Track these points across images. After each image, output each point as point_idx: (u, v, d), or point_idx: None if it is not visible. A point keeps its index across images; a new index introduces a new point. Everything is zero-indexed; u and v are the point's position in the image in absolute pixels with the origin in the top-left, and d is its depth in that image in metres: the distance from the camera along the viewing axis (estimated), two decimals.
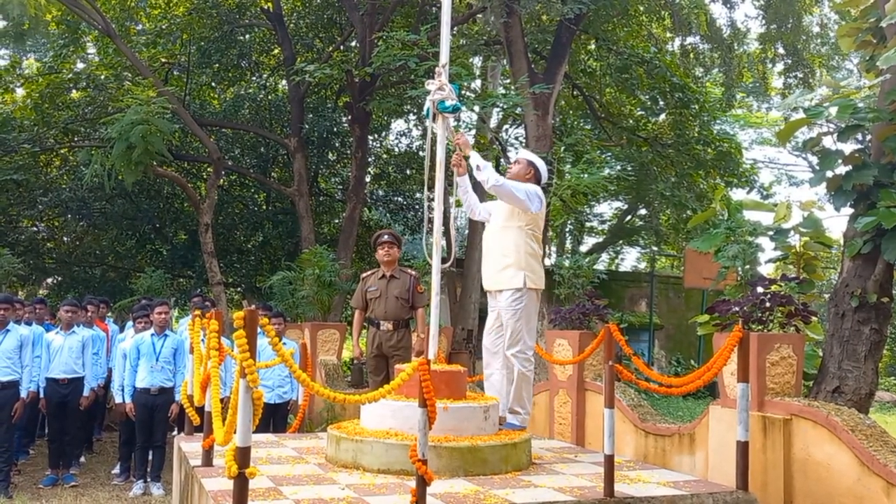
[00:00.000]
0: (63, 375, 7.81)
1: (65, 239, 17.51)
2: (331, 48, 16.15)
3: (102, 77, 14.54)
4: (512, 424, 5.43)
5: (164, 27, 16.25)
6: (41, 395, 7.76)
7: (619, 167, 20.20)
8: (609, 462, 4.29)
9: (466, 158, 5.62)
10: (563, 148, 11.14)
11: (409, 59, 10.46)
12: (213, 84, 18.18)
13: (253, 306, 11.77)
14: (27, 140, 14.48)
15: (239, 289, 17.56)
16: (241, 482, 3.56)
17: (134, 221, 16.81)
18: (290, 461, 5.02)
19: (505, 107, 10.41)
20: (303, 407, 6.67)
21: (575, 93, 16.19)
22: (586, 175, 10.82)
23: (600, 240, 25.56)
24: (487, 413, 5.08)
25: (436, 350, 5.44)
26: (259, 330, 3.71)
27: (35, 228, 16.02)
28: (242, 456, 3.56)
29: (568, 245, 25.42)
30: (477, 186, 5.82)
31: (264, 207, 18.46)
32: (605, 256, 26.46)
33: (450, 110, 5.52)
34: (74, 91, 15.72)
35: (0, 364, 7.18)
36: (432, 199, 5.53)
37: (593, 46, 15.15)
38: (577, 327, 7.21)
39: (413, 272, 6.99)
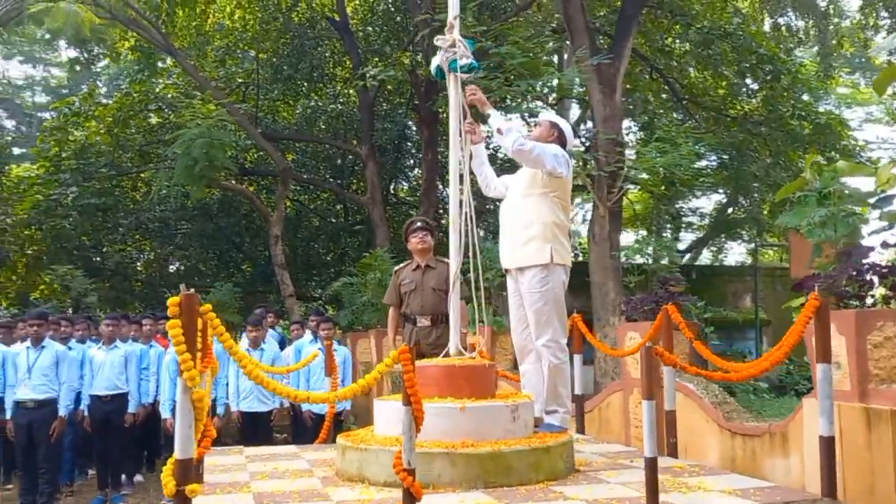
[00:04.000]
0: (105, 392, 7.54)
1: (150, 259, 17.78)
2: (398, 53, 15.79)
3: (170, 96, 14.60)
4: (550, 426, 4.66)
5: (234, 45, 16.35)
6: (85, 412, 7.54)
7: (713, 157, 18.91)
8: (651, 467, 3.48)
9: (485, 122, 4.92)
10: (635, 129, 10.22)
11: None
12: (284, 98, 18.15)
13: (314, 313, 11.19)
14: (105, 165, 14.72)
15: (320, 301, 17.33)
16: (182, 500, 2.98)
17: (213, 239, 16.88)
18: (293, 475, 4.43)
19: (566, 86, 9.63)
20: (329, 414, 6.09)
21: (654, 75, 15.13)
22: (660, 156, 9.85)
23: (701, 235, 24.08)
24: (516, 413, 4.34)
25: (457, 342, 4.76)
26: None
27: (121, 252, 16.26)
28: (182, 470, 2.98)
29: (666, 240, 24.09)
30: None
31: (342, 219, 18.25)
32: (706, 253, 24.98)
33: (464, 70, 4.85)
34: (151, 114, 15.98)
35: (36, 382, 6.97)
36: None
37: (669, 22, 14.09)
38: (650, 318, 6.34)
39: (455, 263, 6.31)
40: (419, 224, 6.18)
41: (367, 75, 12.83)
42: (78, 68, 24.90)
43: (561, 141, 4.96)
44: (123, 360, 7.68)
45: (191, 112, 12.03)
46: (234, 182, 16.23)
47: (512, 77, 9.62)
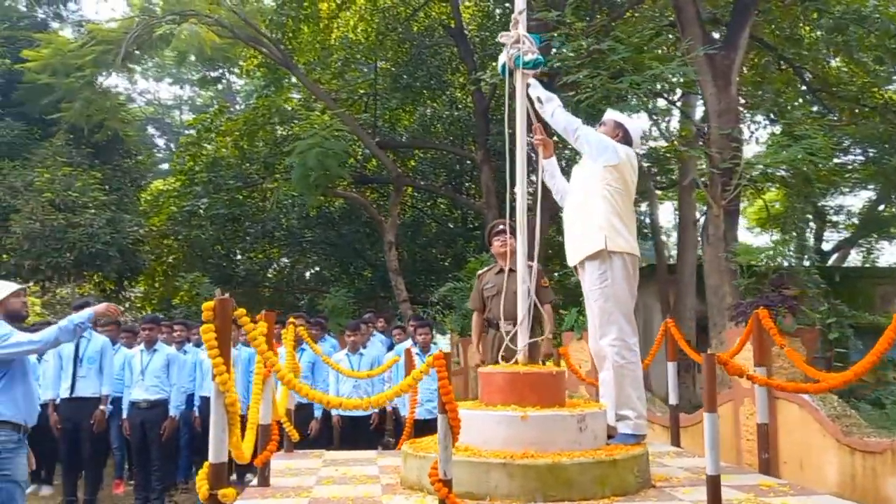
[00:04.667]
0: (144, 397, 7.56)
1: (279, 266, 18.50)
2: None
3: (290, 109, 15.16)
4: (625, 436, 4.40)
5: (353, 57, 16.80)
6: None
7: (858, 151, 17.49)
8: (713, 485, 3.19)
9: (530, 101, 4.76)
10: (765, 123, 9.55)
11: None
12: (403, 106, 18.44)
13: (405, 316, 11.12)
14: (232, 177, 15.48)
15: (438, 306, 17.45)
16: None
17: (336, 246, 17.36)
18: (358, 481, 4.41)
19: (674, 79, 9.14)
20: (408, 420, 6.04)
21: (784, 65, 14.18)
22: (784, 150, 9.18)
23: (848, 235, 22.38)
24: (583, 423, 4.13)
25: (524, 349, 4.58)
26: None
27: (250, 259, 17.03)
28: (215, 475, 3.01)
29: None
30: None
31: (459, 224, 18.32)
32: (855, 254, 23.19)
33: (529, 66, 4.70)
34: (277, 127, 16.66)
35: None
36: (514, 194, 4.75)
37: (799, 9, 13.17)
38: None
39: (535, 264, 6.14)
40: (501, 227, 6.04)
41: (482, 80, 12.82)
42: (219, 86, 26.42)
43: (626, 141, 4.75)
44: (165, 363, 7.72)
45: (308, 123, 12.42)
46: (354, 190, 16.66)
47: (627, 71, 9.24)
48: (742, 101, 13.07)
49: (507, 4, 16.73)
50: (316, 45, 16.49)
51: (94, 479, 7.44)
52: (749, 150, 12.86)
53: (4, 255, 10.75)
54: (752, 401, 5.92)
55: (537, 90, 4.69)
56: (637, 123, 4.95)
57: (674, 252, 18.11)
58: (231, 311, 3.09)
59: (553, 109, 4.59)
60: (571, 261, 4.75)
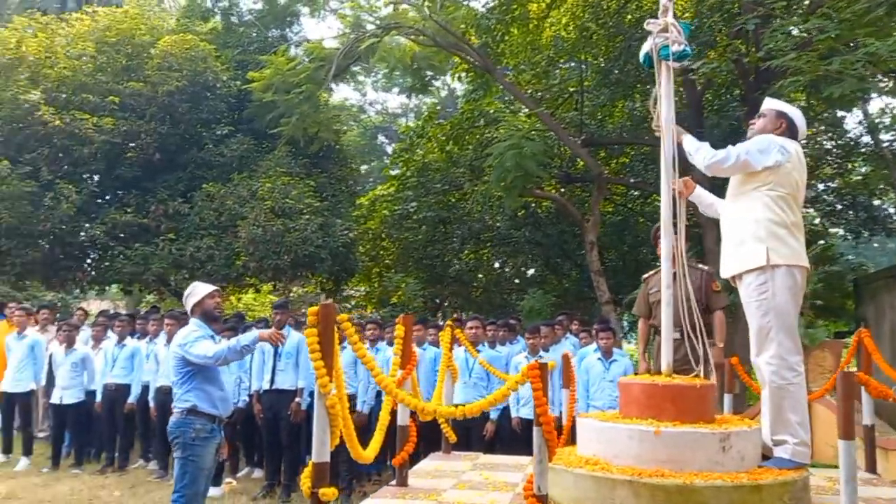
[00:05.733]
0: None
1: (487, 266, 18.81)
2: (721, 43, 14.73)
3: (492, 112, 15.36)
4: (780, 460, 3.95)
5: (559, 55, 16.65)
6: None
7: None
8: None
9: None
10: None
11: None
12: (612, 102, 17.96)
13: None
14: (440, 180, 16.02)
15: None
16: (316, 503, 3.12)
17: (542, 247, 17.34)
18: (492, 488, 4.37)
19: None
20: (566, 427, 5.85)
21: None
22: None
23: None
24: (727, 443, 3.77)
25: (669, 360, 4.27)
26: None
27: (460, 261, 17.48)
28: (318, 474, 3.13)
29: None
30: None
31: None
32: None
33: (676, 57, 4.38)
34: (485, 130, 16.98)
35: (280, 370, 7.86)
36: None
37: None
38: None
39: (706, 267, 5.71)
40: None
41: (689, 70, 12.17)
42: (442, 93, 27.38)
43: (791, 132, 4.24)
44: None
45: (507, 125, 12.53)
46: (559, 189, 16.54)
47: (839, 50, 8.30)
48: None
49: None
50: (526, 46, 16.56)
51: (292, 464, 8.05)
52: None
53: (234, 258, 11.96)
54: None
55: (688, 142, 4.39)
56: (798, 112, 4.40)
57: None
58: (334, 316, 3.20)
59: (703, 159, 4.23)
60: (726, 272, 4.34)
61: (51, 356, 9.49)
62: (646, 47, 4.51)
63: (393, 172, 18.39)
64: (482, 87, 17.02)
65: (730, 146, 4.21)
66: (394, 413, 4.56)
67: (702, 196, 4.76)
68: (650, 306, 5.76)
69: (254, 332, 5.02)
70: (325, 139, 13.56)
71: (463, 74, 17.47)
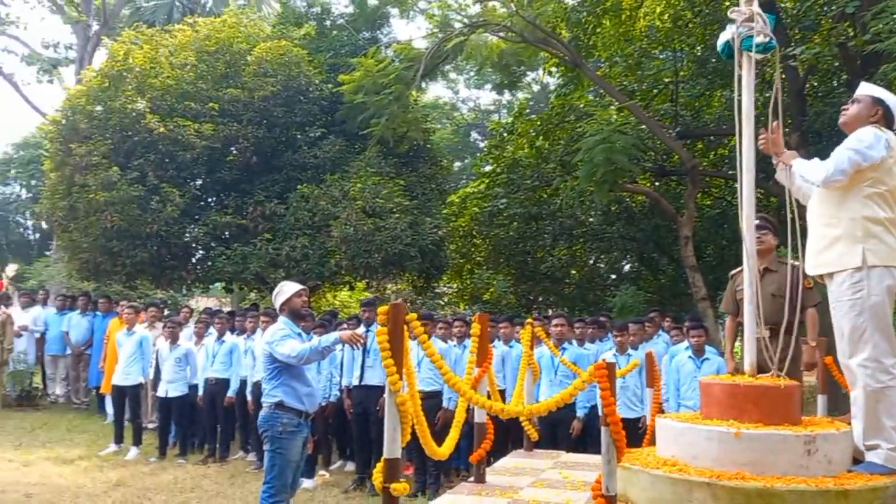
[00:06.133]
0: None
1: (580, 263, 18.61)
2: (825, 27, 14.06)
3: (582, 106, 15.18)
4: (871, 465, 3.77)
5: (651, 46, 16.30)
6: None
7: None
8: None
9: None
10: None
11: None
12: (710, 92, 17.43)
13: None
14: (530, 177, 15.97)
15: None
16: (386, 498, 3.19)
17: (637, 242, 17.03)
18: (569, 487, 4.36)
19: None
20: (650, 426, 5.74)
21: None
22: None
23: None
24: (812, 445, 3.63)
25: (752, 359, 4.14)
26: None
27: (551, 257, 17.36)
28: (389, 469, 3.21)
29: None
30: None
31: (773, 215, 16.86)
32: None
33: (759, 49, 4.22)
34: (578, 124, 16.80)
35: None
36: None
37: None
38: None
39: (797, 262, 5.48)
40: (757, 222, 5.49)
41: (789, 56, 11.70)
42: (535, 88, 27.21)
43: (888, 120, 4.01)
44: None
45: (597, 120, 12.37)
46: (655, 184, 16.20)
47: None
48: None
49: None
50: (619, 37, 16.27)
51: (380, 457, 8.22)
52: None
53: (328, 257, 12.28)
54: None
55: (798, 164, 4.19)
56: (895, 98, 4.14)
57: None
58: (403, 316, 3.26)
59: (818, 176, 3.99)
60: (812, 270, 4.16)
61: (157, 351, 10.04)
62: (725, 36, 4.37)
63: (486, 169, 18.46)
64: (572, 82, 16.84)
65: (835, 153, 3.96)
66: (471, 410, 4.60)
67: (802, 168, 4.25)
68: (738, 303, 5.57)
69: (335, 334, 5.19)
70: (413, 138, 13.72)
71: (553, 69, 17.42)
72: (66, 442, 10.20)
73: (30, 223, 27.54)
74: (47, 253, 23.51)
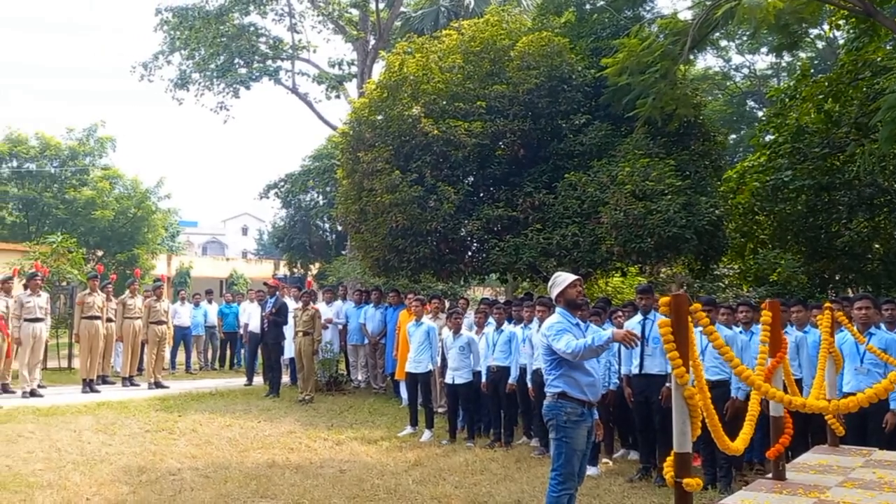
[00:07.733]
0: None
1: (886, 237, 16.58)
2: None
3: (879, 60, 13.47)
4: None
5: None
6: None
7: None
8: None
9: None
10: None
11: None
12: None
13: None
14: (818, 144, 14.59)
15: None
16: (679, 493, 3.09)
17: None
18: (885, 489, 3.90)
19: None
20: None
21: None
22: None
23: None
24: None
25: None
26: None
27: (849, 231, 15.68)
28: (680, 464, 3.11)
29: None
30: None
31: None
32: None
33: None
34: (871, 83, 15.02)
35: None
36: None
37: None
38: None
39: None
40: None
41: None
42: (819, 45, 24.70)
43: None
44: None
45: None
46: None
47: None
48: None
49: None
50: None
51: (666, 449, 7.99)
52: None
53: (598, 244, 12.19)
54: None
55: None
56: None
57: None
58: (687, 306, 3.13)
59: None
60: None
61: (442, 340, 10.68)
62: None
63: (766, 139, 17.15)
64: (866, 34, 15.03)
65: None
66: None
67: None
68: None
69: (608, 332, 5.15)
70: (683, 115, 13.12)
71: (841, 22, 15.68)
72: (368, 424, 11.22)
73: (327, 226, 30.64)
74: (343, 252, 26.00)
